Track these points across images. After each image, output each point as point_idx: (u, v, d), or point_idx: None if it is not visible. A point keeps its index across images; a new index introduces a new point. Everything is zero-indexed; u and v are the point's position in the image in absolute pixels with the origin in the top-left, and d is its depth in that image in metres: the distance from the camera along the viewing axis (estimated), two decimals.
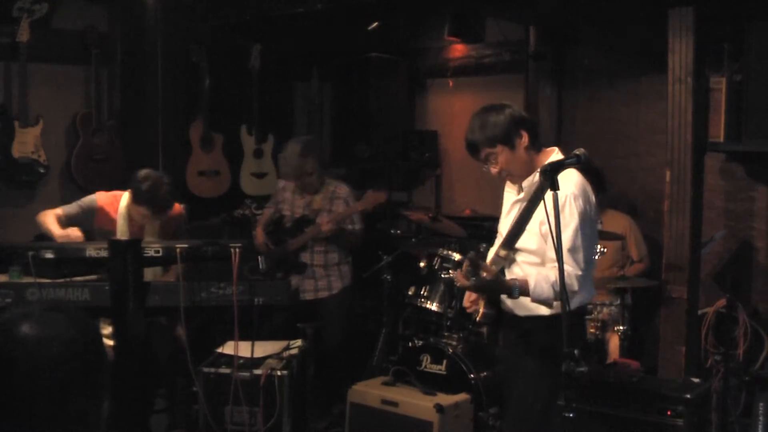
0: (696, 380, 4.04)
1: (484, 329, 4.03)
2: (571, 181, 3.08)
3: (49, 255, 3.49)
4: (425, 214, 5.20)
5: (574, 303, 3.06)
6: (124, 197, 4.32)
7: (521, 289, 3.03)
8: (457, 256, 4.82)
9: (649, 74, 5.13)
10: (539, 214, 3.07)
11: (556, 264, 2.93)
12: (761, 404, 3.99)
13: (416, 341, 4.61)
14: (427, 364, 4.40)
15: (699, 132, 4.21)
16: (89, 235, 4.22)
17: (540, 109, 5.89)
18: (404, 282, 5.14)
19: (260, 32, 6.33)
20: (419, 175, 6.77)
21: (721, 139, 4.28)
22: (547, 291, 3.02)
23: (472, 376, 4.24)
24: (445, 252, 4.87)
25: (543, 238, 3.10)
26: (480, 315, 3.30)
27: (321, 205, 5.01)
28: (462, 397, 4.16)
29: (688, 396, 3.68)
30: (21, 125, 5.45)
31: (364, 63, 6.39)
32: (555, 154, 3.18)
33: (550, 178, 2.78)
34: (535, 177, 3.13)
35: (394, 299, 5.21)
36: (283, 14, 5.67)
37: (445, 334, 4.56)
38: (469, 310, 3.42)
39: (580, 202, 3.06)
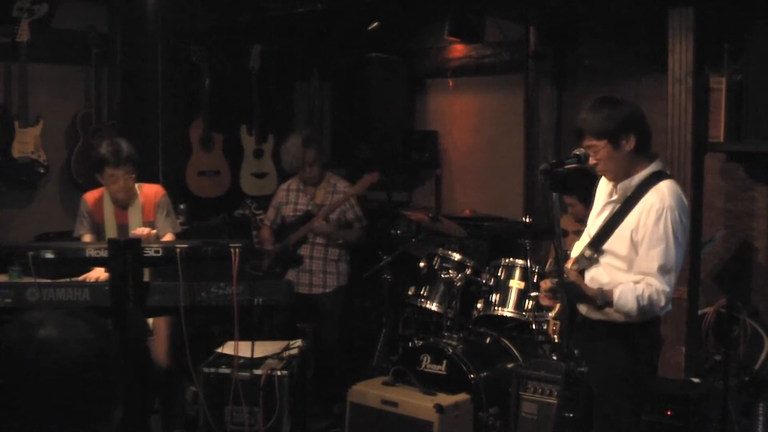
0: (696, 380, 4.04)
1: (556, 325, 3.94)
2: (668, 191, 3.02)
3: (49, 255, 3.48)
4: (425, 214, 5.21)
5: (656, 314, 3.05)
6: None
7: (605, 298, 2.96)
8: (457, 256, 4.82)
9: (649, 74, 5.13)
10: (631, 219, 3.03)
11: (645, 278, 2.96)
12: (761, 404, 3.99)
13: (416, 341, 4.61)
14: (427, 364, 4.39)
15: (699, 132, 4.21)
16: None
17: (540, 109, 5.89)
18: (404, 282, 5.14)
19: (260, 32, 6.32)
20: (419, 175, 6.77)
21: (721, 139, 4.28)
22: (631, 304, 2.95)
23: (472, 376, 4.24)
24: (445, 252, 4.87)
25: (633, 245, 3.02)
26: (556, 310, 3.26)
27: (323, 199, 5.02)
28: (462, 397, 4.16)
29: (688, 396, 3.68)
30: (21, 125, 5.44)
31: (364, 63, 6.39)
32: (654, 165, 3.09)
33: (551, 178, 2.78)
34: (633, 181, 3.07)
35: (394, 299, 5.20)
36: (283, 14, 5.68)
37: (445, 334, 4.56)
38: (544, 303, 3.35)
39: (676, 214, 2.99)
